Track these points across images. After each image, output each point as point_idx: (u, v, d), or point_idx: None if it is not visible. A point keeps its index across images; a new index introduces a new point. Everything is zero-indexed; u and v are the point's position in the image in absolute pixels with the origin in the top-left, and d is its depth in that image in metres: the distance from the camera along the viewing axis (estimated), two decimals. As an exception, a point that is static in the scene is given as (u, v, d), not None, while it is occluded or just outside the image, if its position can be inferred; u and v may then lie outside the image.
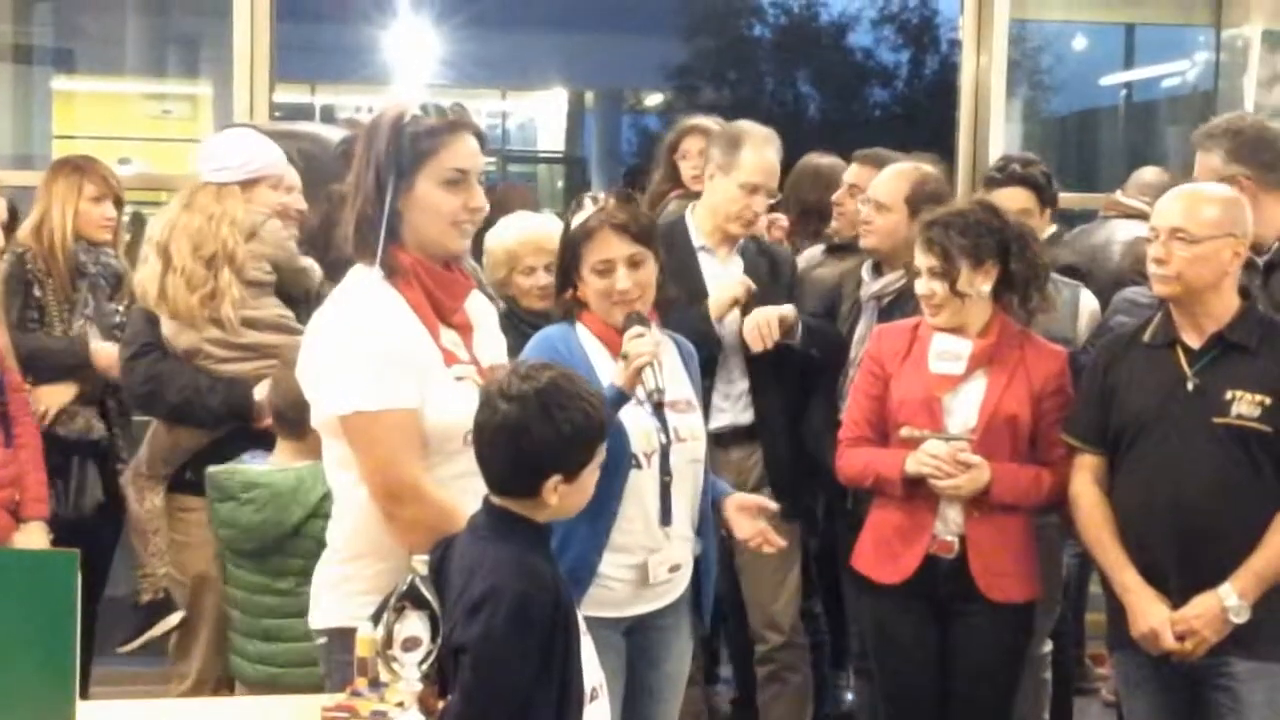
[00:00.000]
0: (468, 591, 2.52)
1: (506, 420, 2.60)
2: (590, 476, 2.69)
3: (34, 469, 4.20)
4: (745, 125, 4.51)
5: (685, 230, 4.51)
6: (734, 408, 4.42)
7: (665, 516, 3.37)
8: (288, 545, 3.79)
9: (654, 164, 5.47)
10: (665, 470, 3.37)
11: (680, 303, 3.93)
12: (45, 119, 8.81)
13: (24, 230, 4.76)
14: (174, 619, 4.27)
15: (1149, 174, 5.66)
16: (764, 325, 4.27)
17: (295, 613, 3.58)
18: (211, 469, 3.94)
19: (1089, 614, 5.52)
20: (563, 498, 2.63)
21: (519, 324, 4.12)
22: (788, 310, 4.34)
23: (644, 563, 3.36)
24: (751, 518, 3.49)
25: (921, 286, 3.77)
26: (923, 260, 3.75)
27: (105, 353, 4.61)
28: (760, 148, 4.44)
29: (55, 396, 4.60)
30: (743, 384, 4.45)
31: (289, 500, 3.77)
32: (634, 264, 3.36)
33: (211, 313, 4.13)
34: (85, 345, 4.63)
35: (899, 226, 4.38)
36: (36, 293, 4.66)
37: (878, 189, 4.50)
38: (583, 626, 2.75)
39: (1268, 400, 3.43)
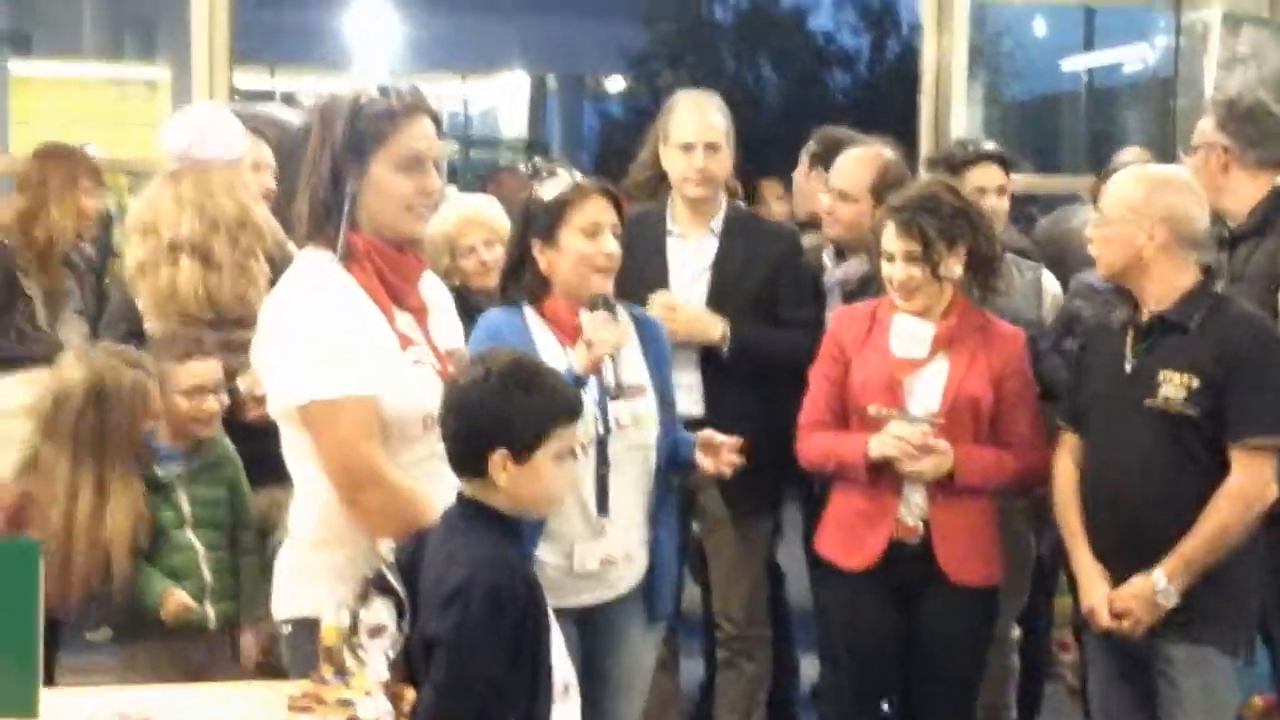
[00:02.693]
0: (441, 584, 2.52)
1: (454, 393, 2.63)
2: (548, 465, 2.66)
3: None
4: (681, 92, 4.51)
5: (662, 216, 4.44)
6: (685, 399, 4.18)
7: (602, 507, 3.36)
8: None
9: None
10: (603, 460, 3.36)
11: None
12: (2, 104, 8.74)
13: (6, 218, 4.67)
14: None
15: (1128, 155, 5.63)
16: (662, 306, 4.20)
17: None
18: None
19: (1056, 599, 5.53)
20: (513, 480, 2.61)
21: (472, 311, 4.09)
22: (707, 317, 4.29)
23: (571, 550, 3.34)
24: (714, 454, 3.43)
25: (898, 271, 3.71)
26: (898, 245, 3.69)
27: None
28: (689, 107, 4.40)
29: None
30: (693, 376, 4.33)
31: None
32: (616, 234, 3.37)
33: (253, 302, 4.03)
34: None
35: (864, 215, 4.33)
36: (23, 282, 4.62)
37: (841, 178, 4.46)
38: (554, 622, 2.74)
39: (1195, 382, 3.39)
